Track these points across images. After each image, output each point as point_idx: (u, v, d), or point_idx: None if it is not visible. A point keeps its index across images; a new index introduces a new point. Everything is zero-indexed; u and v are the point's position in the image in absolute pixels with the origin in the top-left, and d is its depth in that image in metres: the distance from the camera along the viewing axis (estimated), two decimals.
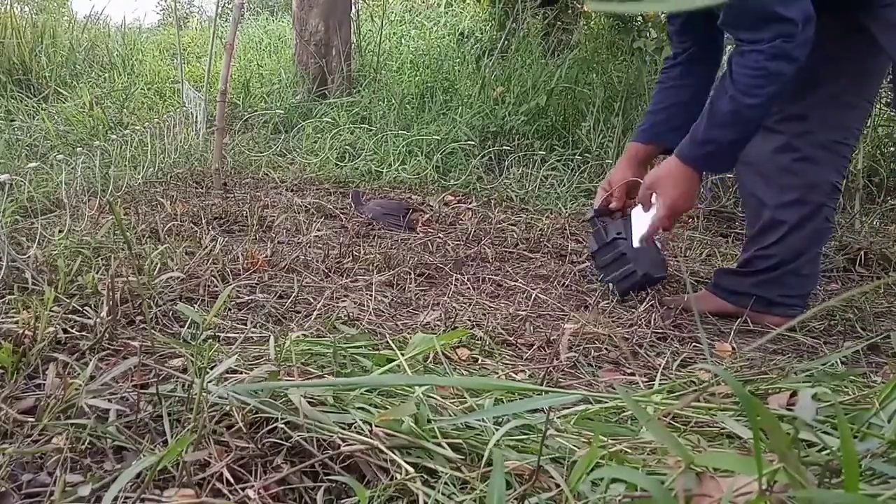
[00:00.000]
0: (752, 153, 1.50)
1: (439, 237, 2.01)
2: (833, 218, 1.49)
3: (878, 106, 2.78)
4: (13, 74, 4.07)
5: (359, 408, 0.78)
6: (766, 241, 1.49)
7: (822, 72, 1.43)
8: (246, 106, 4.08)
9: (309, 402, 0.77)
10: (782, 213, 1.46)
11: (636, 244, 1.52)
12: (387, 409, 0.77)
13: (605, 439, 0.75)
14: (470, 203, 2.51)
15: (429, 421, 0.75)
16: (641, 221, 1.52)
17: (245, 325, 1.18)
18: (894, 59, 1.29)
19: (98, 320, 1.08)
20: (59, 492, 0.66)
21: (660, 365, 1.13)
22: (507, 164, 2.94)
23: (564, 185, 2.68)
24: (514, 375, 1.06)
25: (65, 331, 1.07)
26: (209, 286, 1.36)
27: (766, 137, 1.48)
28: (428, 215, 2.25)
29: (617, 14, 4.01)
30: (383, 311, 1.34)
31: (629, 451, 0.73)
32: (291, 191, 2.58)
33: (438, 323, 1.28)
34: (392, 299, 1.42)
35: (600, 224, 1.60)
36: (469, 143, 3.03)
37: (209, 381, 0.80)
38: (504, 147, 3.04)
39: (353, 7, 4.66)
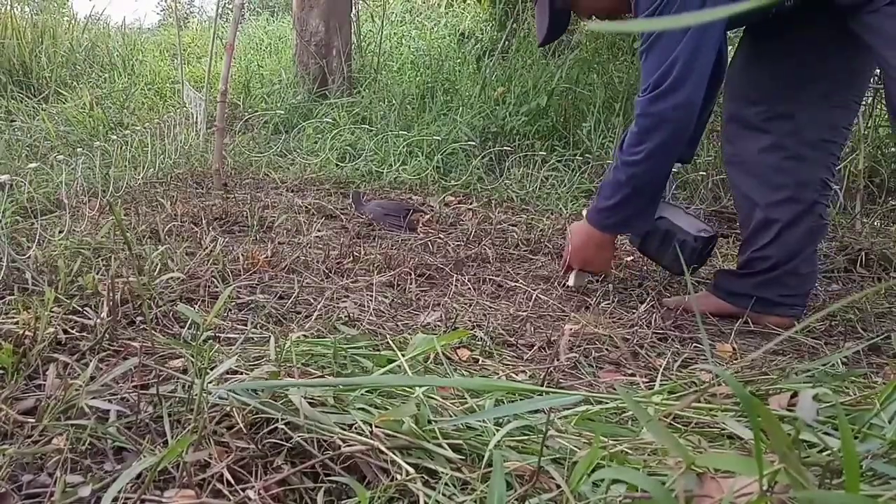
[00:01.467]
0: (742, 153, 1.51)
1: (440, 238, 2.01)
2: (827, 214, 1.49)
3: (879, 106, 2.78)
4: (13, 75, 4.07)
5: (359, 408, 0.78)
6: (761, 241, 1.49)
7: (809, 71, 1.44)
8: (246, 106, 4.08)
9: (309, 403, 0.77)
10: (774, 211, 1.46)
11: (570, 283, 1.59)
12: (387, 409, 0.77)
13: (606, 440, 0.74)
14: (470, 203, 2.51)
15: (429, 422, 0.75)
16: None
17: (245, 325, 1.18)
18: (880, 65, 1.29)
19: (98, 321, 1.08)
20: (59, 492, 0.66)
21: (660, 365, 1.13)
22: (507, 164, 2.94)
23: (565, 186, 2.68)
24: (514, 376, 1.06)
25: (65, 331, 1.07)
26: (209, 287, 1.36)
27: (755, 137, 1.49)
28: (428, 216, 2.25)
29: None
30: (384, 312, 1.34)
31: (630, 451, 0.73)
32: (292, 191, 2.58)
33: (439, 323, 1.28)
34: (392, 300, 1.42)
35: None
36: (470, 143, 3.03)
37: (209, 382, 0.80)
38: (505, 147, 3.04)
39: (354, 7, 4.66)
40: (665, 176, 1.47)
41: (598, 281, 1.66)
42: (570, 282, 1.60)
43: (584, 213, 1.57)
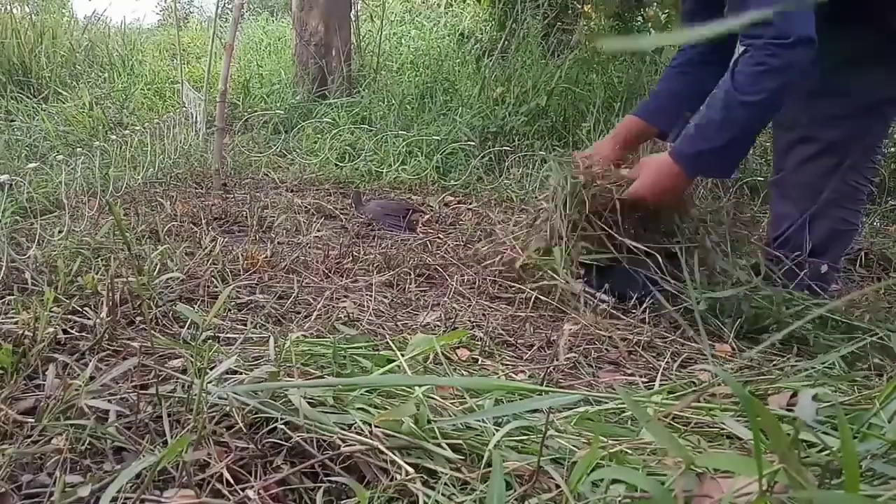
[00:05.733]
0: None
1: (439, 238, 2.01)
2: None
3: None
4: (13, 75, 4.07)
5: (359, 408, 0.78)
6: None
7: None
8: (246, 106, 4.08)
9: (309, 403, 0.77)
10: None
11: None
12: (387, 409, 0.77)
13: (606, 440, 0.74)
14: (470, 203, 2.51)
15: (429, 421, 0.75)
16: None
17: (245, 325, 1.17)
18: None
19: (98, 321, 1.08)
20: (58, 492, 0.66)
21: (660, 366, 1.13)
22: (507, 164, 2.94)
23: None
24: (514, 376, 1.06)
25: (64, 331, 1.07)
26: (209, 287, 1.36)
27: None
28: (428, 216, 2.25)
29: (617, 14, 4.02)
30: (383, 312, 1.34)
31: (629, 451, 0.73)
32: (291, 191, 2.57)
33: (438, 323, 1.28)
34: (392, 300, 1.42)
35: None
36: (469, 143, 3.03)
37: (209, 382, 0.80)
38: (504, 147, 3.04)
39: (353, 7, 4.66)
40: (769, 122, 1.45)
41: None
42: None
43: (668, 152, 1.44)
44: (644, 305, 1.39)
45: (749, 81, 1.33)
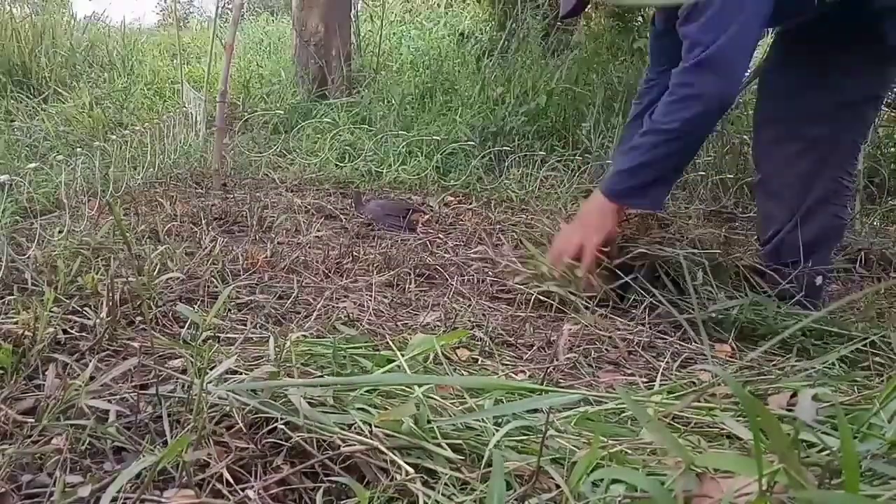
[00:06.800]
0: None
1: (439, 238, 2.01)
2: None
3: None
4: (13, 75, 4.07)
5: (359, 408, 0.78)
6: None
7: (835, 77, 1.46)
8: (246, 106, 4.08)
9: (309, 403, 0.77)
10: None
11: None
12: (387, 409, 0.77)
13: (606, 440, 0.74)
14: (470, 203, 2.51)
15: (429, 421, 0.75)
16: None
17: (245, 325, 1.17)
18: None
19: (98, 321, 1.08)
20: (58, 492, 0.66)
21: (660, 366, 1.13)
22: (507, 164, 2.94)
23: (564, 186, 2.68)
24: (514, 376, 1.06)
25: (64, 331, 1.07)
26: (209, 287, 1.36)
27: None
28: (428, 216, 2.25)
29: (617, 15, 4.02)
30: (383, 312, 1.34)
31: (629, 451, 0.73)
32: (291, 191, 2.57)
33: (438, 323, 1.28)
34: (392, 300, 1.42)
35: None
36: (469, 143, 3.03)
37: (209, 382, 0.80)
38: (504, 147, 3.04)
39: (353, 7, 4.66)
40: (692, 152, 1.44)
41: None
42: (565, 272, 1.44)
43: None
44: (643, 306, 1.39)
45: (662, 111, 1.37)
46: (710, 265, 1.46)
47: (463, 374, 1.03)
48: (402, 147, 3.03)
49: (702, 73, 1.30)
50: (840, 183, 1.53)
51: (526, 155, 2.93)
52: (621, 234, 1.56)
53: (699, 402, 0.86)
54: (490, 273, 1.63)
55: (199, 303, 1.29)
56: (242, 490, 0.69)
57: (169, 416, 0.81)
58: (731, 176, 2.64)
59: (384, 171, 2.89)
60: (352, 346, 1.01)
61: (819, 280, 1.50)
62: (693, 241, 1.59)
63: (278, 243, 1.79)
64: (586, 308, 1.40)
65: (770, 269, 1.51)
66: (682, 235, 1.63)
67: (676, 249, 1.47)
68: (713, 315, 1.32)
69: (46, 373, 0.89)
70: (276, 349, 0.94)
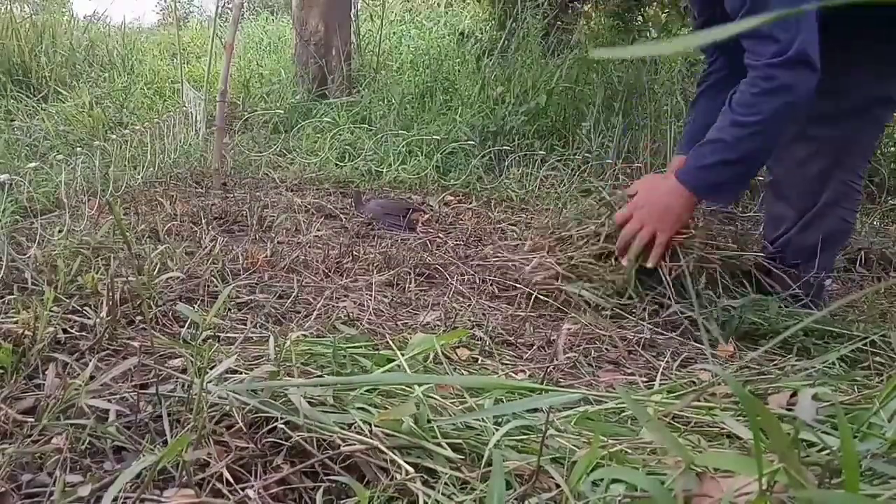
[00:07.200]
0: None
1: (439, 237, 2.01)
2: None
3: None
4: (13, 74, 4.07)
5: (359, 408, 0.78)
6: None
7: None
8: (246, 106, 4.08)
9: (309, 402, 0.77)
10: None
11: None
12: (387, 409, 0.77)
13: (606, 439, 0.75)
14: (470, 203, 2.51)
15: (429, 421, 0.75)
16: None
17: (245, 325, 1.17)
18: None
19: (98, 320, 1.08)
20: (58, 492, 0.66)
21: (660, 365, 1.13)
22: (507, 163, 2.94)
23: (564, 185, 2.68)
24: (514, 375, 1.06)
25: (64, 331, 1.07)
26: (209, 286, 1.36)
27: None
28: (428, 215, 2.25)
29: (617, 15, 4.02)
30: (383, 311, 1.34)
31: (629, 451, 0.73)
32: (291, 191, 2.57)
33: (438, 323, 1.28)
34: (392, 299, 1.42)
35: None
36: (469, 142, 3.03)
37: (209, 382, 0.80)
38: (504, 147, 3.04)
39: (354, 7, 4.66)
40: (773, 147, 1.41)
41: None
42: (628, 258, 1.42)
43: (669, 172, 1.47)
44: (643, 305, 1.39)
45: (744, 103, 1.35)
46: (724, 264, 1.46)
47: (463, 374, 1.03)
48: (402, 146, 3.03)
49: (790, 68, 1.29)
50: (850, 186, 1.53)
51: (526, 154, 2.93)
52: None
53: (699, 401, 0.86)
54: (497, 272, 1.63)
55: (199, 302, 1.29)
56: (242, 489, 0.69)
57: (169, 415, 0.81)
58: None
59: (384, 170, 2.89)
60: (352, 345, 1.01)
61: (828, 282, 1.50)
62: (706, 242, 1.57)
63: (278, 243, 1.79)
64: (597, 308, 1.40)
65: (778, 270, 1.51)
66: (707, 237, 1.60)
67: (698, 251, 1.46)
68: (717, 316, 1.32)
69: (46, 372, 0.89)
70: (276, 349, 0.94)
